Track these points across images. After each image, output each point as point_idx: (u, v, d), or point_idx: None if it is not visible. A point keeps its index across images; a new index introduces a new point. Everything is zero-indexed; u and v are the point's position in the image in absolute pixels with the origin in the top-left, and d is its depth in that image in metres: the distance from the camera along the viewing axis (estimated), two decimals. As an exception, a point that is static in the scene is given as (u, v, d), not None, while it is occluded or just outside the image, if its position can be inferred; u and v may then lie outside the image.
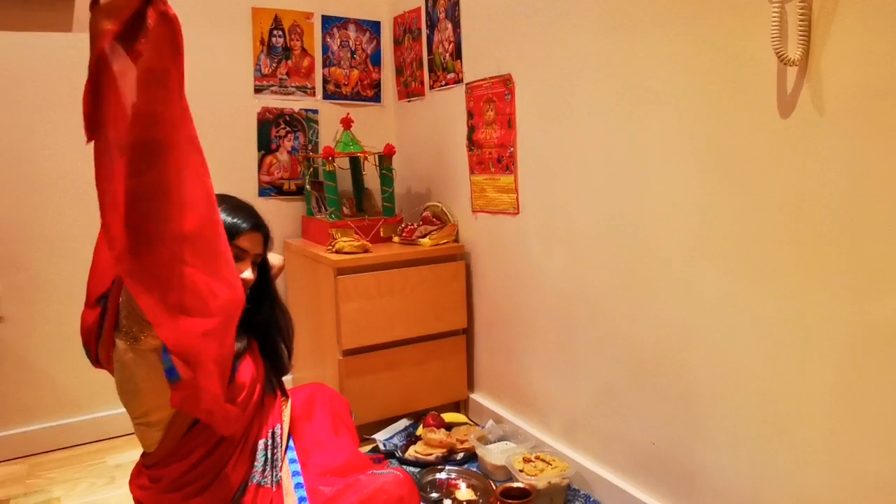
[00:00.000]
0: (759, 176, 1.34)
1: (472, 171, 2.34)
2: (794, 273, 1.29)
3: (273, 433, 1.54)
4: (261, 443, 1.52)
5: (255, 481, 1.47)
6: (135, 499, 1.49)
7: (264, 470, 1.49)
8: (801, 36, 1.21)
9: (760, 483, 1.41)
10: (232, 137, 2.60)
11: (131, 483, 1.51)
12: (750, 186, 1.36)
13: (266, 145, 2.68)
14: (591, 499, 1.88)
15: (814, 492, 1.30)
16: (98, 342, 1.35)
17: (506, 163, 2.15)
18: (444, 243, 2.40)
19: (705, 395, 1.52)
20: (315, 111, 2.76)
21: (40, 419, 2.34)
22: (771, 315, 1.35)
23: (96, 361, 1.41)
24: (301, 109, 2.73)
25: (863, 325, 1.19)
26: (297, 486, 1.47)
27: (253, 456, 1.50)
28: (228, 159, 2.59)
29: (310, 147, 2.76)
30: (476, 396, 2.48)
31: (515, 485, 1.76)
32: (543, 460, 1.90)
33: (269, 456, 1.51)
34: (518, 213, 2.12)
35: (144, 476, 1.48)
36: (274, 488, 1.47)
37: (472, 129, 2.31)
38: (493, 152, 2.21)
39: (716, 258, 1.46)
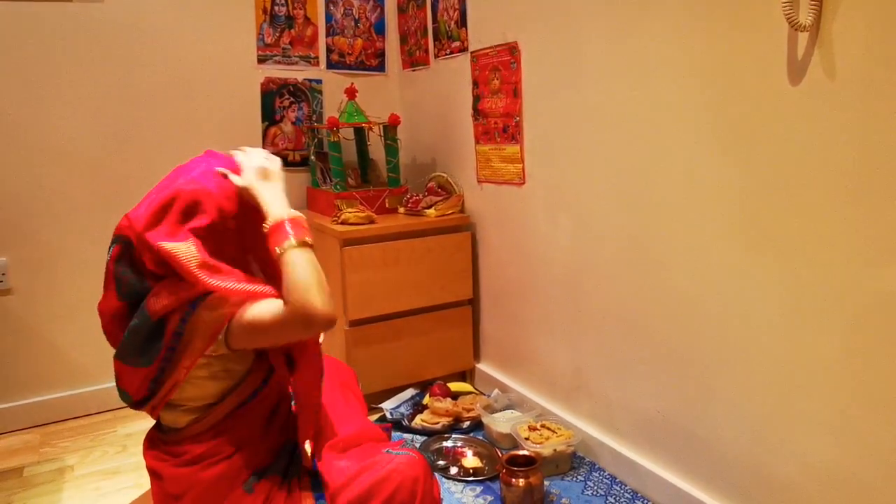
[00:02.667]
0: (767, 144, 1.33)
1: (477, 141, 2.32)
2: (802, 242, 1.29)
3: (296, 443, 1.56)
4: (286, 443, 1.54)
5: (271, 473, 1.49)
6: (148, 467, 1.52)
7: (287, 466, 1.51)
8: (812, 0, 1.18)
9: (766, 452, 1.42)
10: (235, 108, 2.59)
11: (145, 453, 1.54)
12: (758, 154, 1.35)
13: (270, 116, 2.67)
14: (596, 466, 1.90)
15: (819, 460, 1.31)
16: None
17: (511, 132, 2.13)
18: (450, 214, 2.39)
19: (712, 364, 1.53)
20: (319, 81, 2.74)
21: (52, 389, 2.37)
22: (778, 284, 1.35)
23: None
24: (305, 80, 2.71)
25: (870, 295, 1.19)
26: (315, 484, 1.48)
27: (275, 450, 1.52)
28: (232, 131, 2.58)
29: (314, 118, 2.74)
30: (482, 366, 2.50)
31: (521, 452, 1.78)
32: (549, 428, 1.92)
33: (293, 458, 1.53)
34: (524, 183, 2.11)
35: (161, 449, 1.51)
36: (290, 483, 1.49)
37: (477, 99, 2.29)
38: (498, 122, 2.19)
39: (723, 227, 1.45)
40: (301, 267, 1.30)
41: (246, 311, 1.33)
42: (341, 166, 2.44)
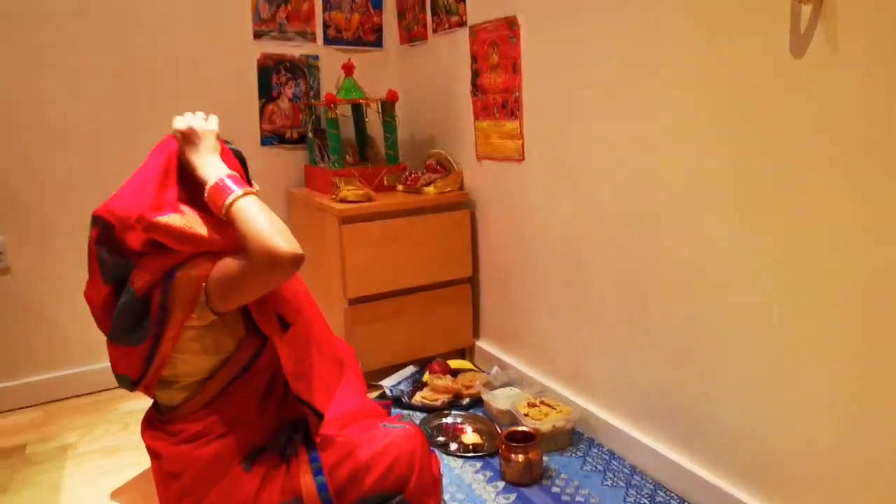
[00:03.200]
0: (769, 117, 1.31)
1: (476, 118, 2.30)
2: (804, 217, 1.28)
3: (299, 423, 1.56)
4: (285, 422, 1.54)
5: (270, 451, 1.49)
6: (147, 446, 1.53)
7: (285, 446, 1.52)
8: (816, -29, 1.16)
9: (766, 428, 1.42)
10: (232, 85, 2.56)
11: (143, 433, 1.54)
12: (761, 128, 1.33)
13: (267, 93, 2.64)
14: (595, 442, 1.91)
15: (820, 436, 1.31)
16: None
17: (511, 108, 2.11)
18: (449, 191, 2.38)
19: (711, 341, 1.52)
20: (316, 57, 2.71)
21: (54, 368, 2.37)
22: (779, 260, 1.34)
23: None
24: (301, 55, 2.68)
25: (872, 270, 1.18)
26: (313, 458, 1.49)
27: (273, 428, 1.52)
28: (229, 107, 2.55)
29: (311, 94, 2.72)
30: (481, 343, 2.50)
31: (520, 428, 1.79)
32: (548, 405, 1.93)
33: (291, 436, 1.53)
34: (523, 159, 2.10)
35: (159, 429, 1.51)
36: (289, 460, 1.50)
37: (476, 74, 2.26)
38: (497, 97, 2.16)
39: (724, 203, 1.44)
40: (250, 213, 1.26)
41: (216, 268, 1.32)
42: (339, 143, 2.42)
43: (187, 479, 1.46)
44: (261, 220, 1.26)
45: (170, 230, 1.29)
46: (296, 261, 1.28)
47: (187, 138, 1.39)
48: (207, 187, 1.31)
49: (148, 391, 1.49)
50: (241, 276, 1.30)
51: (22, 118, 2.23)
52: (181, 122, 1.40)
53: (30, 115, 2.24)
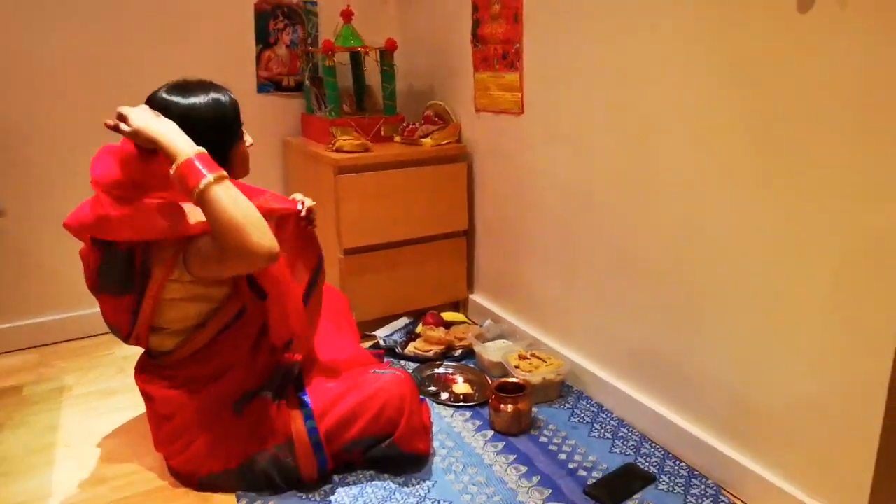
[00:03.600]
0: (772, 74, 1.29)
1: (476, 69, 2.27)
2: (801, 176, 1.27)
3: (291, 366, 1.59)
4: (277, 368, 1.57)
5: (261, 396, 1.52)
6: (140, 390, 1.55)
7: (276, 391, 1.54)
8: (827, -79, 1.13)
9: (751, 385, 1.45)
10: (228, 30, 2.51)
11: (136, 377, 1.57)
12: (762, 85, 1.32)
13: (264, 39, 2.59)
14: (584, 395, 1.94)
15: (804, 394, 1.34)
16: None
17: (511, 60, 2.08)
18: (446, 143, 2.36)
19: (701, 297, 1.54)
20: (314, 3, 2.65)
21: (49, 311, 2.39)
22: (773, 219, 1.34)
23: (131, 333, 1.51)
24: (299, 1, 2.62)
25: (863, 231, 1.18)
26: (304, 403, 1.51)
27: (265, 374, 1.55)
28: (225, 53, 2.51)
29: (309, 41, 2.67)
30: (475, 297, 2.52)
31: (510, 380, 1.81)
32: (539, 357, 1.95)
33: (283, 382, 1.56)
34: (522, 112, 2.07)
35: (151, 373, 1.54)
36: (278, 404, 1.52)
37: (476, 24, 2.22)
38: (498, 48, 2.13)
39: (722, 160, 1.43)
40: (226, 204, 1.22)
41: (199, 243, 1.33)
42: (336, 92, 2.39)
43: (179, 422, 1.48)
44: (237, 213, 1.21)
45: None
46: (272, 258, 1.26)
47: (125, 118, 1.31)
48: (176, 163, 1.23)
49: (139, 342, 1.51)
50: (217, 260, 1.30)
51: (15, 63, 2.19)
52: (142, 107, 1.36)
53: (23, 61, 2.20)
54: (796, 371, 1.34)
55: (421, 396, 1.68)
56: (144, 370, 1.57)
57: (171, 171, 1.25)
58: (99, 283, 1.43)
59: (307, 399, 1.52)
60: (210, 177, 1.23)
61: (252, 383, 1.52)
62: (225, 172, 1.27)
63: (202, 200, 1.23)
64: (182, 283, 1.41)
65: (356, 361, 1.78)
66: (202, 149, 1.28)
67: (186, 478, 1.53)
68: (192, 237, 1.34)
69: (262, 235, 1.23)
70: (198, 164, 1.24)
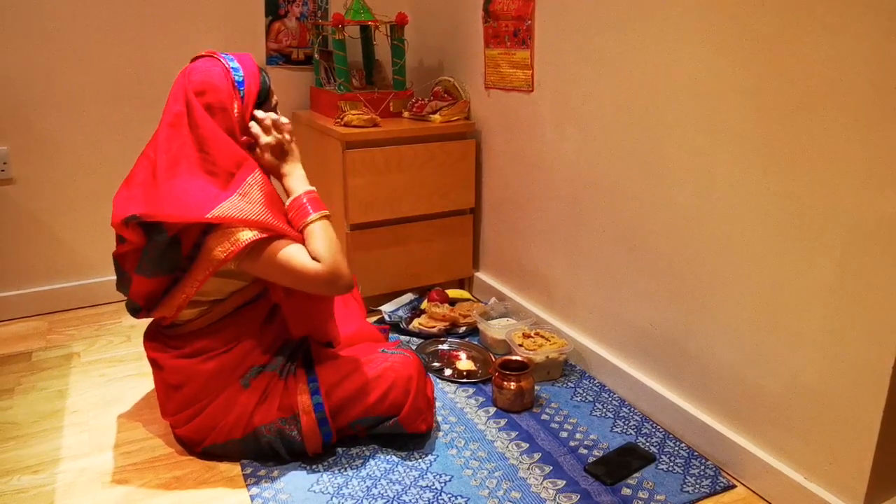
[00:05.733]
0: (783, 57, 1.28)
1: (486, 45, 2.25)
2: (809, 160, 1.27)
3: (299, 345, 1.61)
4: (286, 343, 1.59)
5: (269, 370, 1.54)
6: (149, 357, 1.57)
7: (284, 365, 1.56)
8: None
9: (753, 368, 1.45)
10: (238, 1, 2.49)
11: (145, 344, 1.58)
12: (773, 69, 1.30)
13: (274, 10, 2.57)
14: (587, 374, 1.95)
15: (803, 378, 1.34)
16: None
17: (522, 37, 2.06)
18: (455, 120, 2.35)
19: (707, 279, 1.54)
20: (325, -26, 2.62)
21: (58, 279, 2.41)
22: (781, 203, 1.34)
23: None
24: (310, -28, 2.59)
25: (869, 217, 1.18)
26: (312, 379, 1.53)
27: (273, 348, 1.57)
28: (235, 24, 2.49)
29: (319, 14, 2.64)
30: (480, 275, 2.52)
31: (514, 358, 1.83)
32: (543, 336, 1.97)
33: (290, 357, 1.58)
34: (532, 90, 2.06)
35: (162, 342, 1.55)
36: (287, 379, 1.54)
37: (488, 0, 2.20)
38: (509, 25, 2.11)
39: (730, 143, 1.42)
40: (328, 235, 1.44)
41: (280, 250, 1.40)
42: (346, 66, 2.38)
43: (188, 392, 1.50)
44: (335, 244, 1.44)
45: (225, 222, 1.37)
46: (349, 288, 1.45)
47: (276, 150, 1.51)
48: (290, 199, 1.49)
49: (157, 315, 1.51)
50: (300, 272, 1.41)
51: (25, 28, 2.18)
52: (268, 138, 1.50)
53: (33, 25, 2.19)
54: (799, 355, 1.35)
55: (427, 374, 1.70)
56: (153, 338, 1.58)
57: (286, 203, 1.49)
58: (138, 264, 1.43)
59: (315, 374, 1.54)
60: (315, 215, 1.46)
61: (261, 357, 1.54)
62: (328, 212, 1.49)
63: (306, 230, 1.45)
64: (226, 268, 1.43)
65: (362, 335, 1.79)
66: (313, 189, 1.52)
67: (191, 446, 1.56)
68: (270, 239, 1.40)
69: (346, 266, 1.44)
70: (307, 203, 1.48)
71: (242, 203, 1.38)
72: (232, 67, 1.48)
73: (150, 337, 1.59)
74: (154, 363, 1.56)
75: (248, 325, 1.54)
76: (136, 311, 1.52)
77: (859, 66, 1.16)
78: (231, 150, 1.43)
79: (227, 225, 1.36)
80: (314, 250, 1.41)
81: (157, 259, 1.40)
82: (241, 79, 1.48)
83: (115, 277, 1.57)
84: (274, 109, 1.58)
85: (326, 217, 1.47)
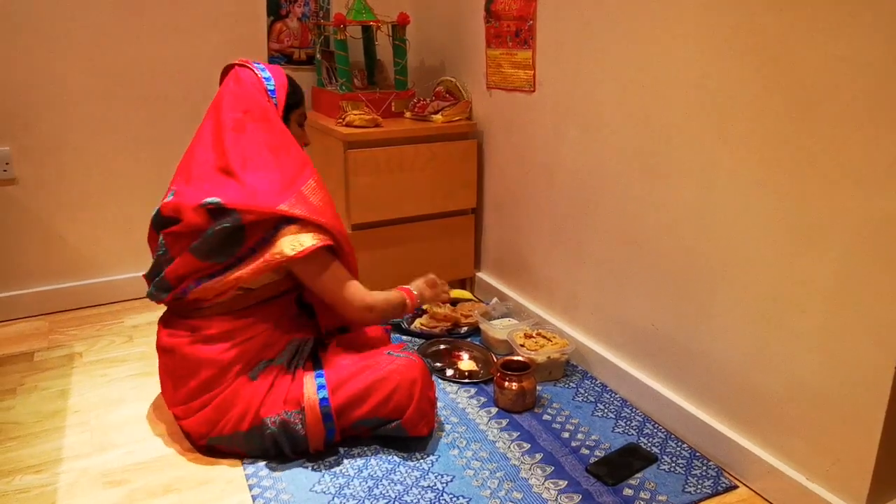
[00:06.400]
0: (787, 56, 1.28)
1: (488, 45, 2.25)
2: (813, 161, 1.27)
3: (304, 339, 1.67)
4: (294, 339, 1.64)
5: (277, 363, 1.58)
6: (163, 345, 1.58)
7: (292, 360, 1.61)
8: None
9: (754, 368, 1.45)
10: (240, 1, 2.49)
11: (160, 332, 1.61)
12: (777, 68, 1.30)
13: (275, 10, 2.57)
14: (589, 374, 1.95)
15: (804, 378, 1.34)
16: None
17: (524, 37, 2.06)
18: (457, 120, 2.35)
19: (709, 281, 1.54)
20: (326, -26, 2.62)
21: (59, 279, 2.41)
22: (784, 203, 1.33)
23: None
24: (312, -28, 2.60)
25: (872, 218, 1.18)
26: (318, 374, 1.55)
27: (283, 343, 1.62)
28: (236, 24, 2.49)
29: (321, 14, 2.64)
30: (482, 275, 2.52)
31: (515, 358, 1.83)
32: (544, 336, 1.96)
33: (297, 351, 1.63)
34: (534, 90, 2.06)
35: (178, 325, 1.58)
36: (294, 372, 1.57)
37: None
38: (511, 25, 2.11)
39: (733, 143, 1.42)
40: (392, 302, 1.69)
41: (338, 264, 1.60)
42: (347, 66, 2.38)
43: (201, 379, 1.53)
44: (387, 309, 1.67)
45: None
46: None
47: (426, 300, 1.83)
48: (408, 301, 1.74)
49: (184, 296, 1.55)
50: (334, 294, 1.59)
51: (26, 27, 2.19)
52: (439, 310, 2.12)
53: (34, 25, 2.19)
54: (801, 356, 1.35)
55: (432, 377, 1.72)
56: (169, 324, 1.61)
57: (407, 301, 1.75)
58: (195, 244, 1.50)
59: (322, 371, 1.56)
60: (410, 309, 1.76)
61: (271, 352, 1.59)
62: (408, 301, 1.75)
63: (391, 290, 1.74)
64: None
65: (368, 336, 1.81)
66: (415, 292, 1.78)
67: (196, 438, 1.57)
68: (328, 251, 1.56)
69: (372, 320, 1.69)
70: (408, 302, 1.74)
71: (316, 203, 1.53)
72: (264, 77, 1.63)
73: (166, 325, 1.61)
74: (168, 350, 1.57)
75: (269, 319, 1.60)
76: (164, 292, 1.56)
77: (863, 67, 1.15)
78: (297, 152, 1.59)
79: (303, 224, 1.50)
80: (376, 294, 1.64)
81: (219, 244, 1.49)
82: (272, 88, 1.63)
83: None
84: (304, 116, 1.75)
85: (404, 302, 1.72)
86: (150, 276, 1.61)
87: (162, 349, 1.59)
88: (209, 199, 1.47)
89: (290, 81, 1.69)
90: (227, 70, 1.67)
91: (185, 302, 1.57)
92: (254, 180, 1.50)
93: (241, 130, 1.55)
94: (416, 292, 1.75)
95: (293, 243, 1.49)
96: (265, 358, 1.57)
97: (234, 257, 1.51)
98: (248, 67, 1.64)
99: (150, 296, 1.60)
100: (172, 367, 1.57)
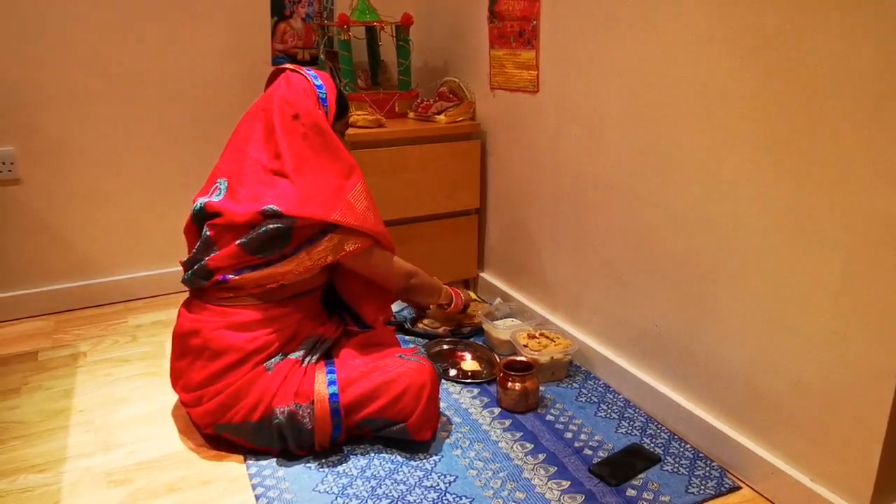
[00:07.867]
0: (789, 53, 1.27)
1: (492, 46, 2.25)
2: (816, 160, 1.26)
3: (323, 336, 1.71)
4: (313, 335, 1.68)
5: (293, 357, 1.61)
6: (188, 329, 1.59)
7: (307, 355, 1.63)
8: None
9: (758, 368, 1.45)
10: (244, 1, 2.49)
11: (183, 317, 1.63)
12: (779, 68, 1.30)
13: (279, 11, 2.58)
14: (592, 375, 1.95)
15: (808, 379, 1.34)
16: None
17: (527, 37, 2.06)
18: (461, 121, 2.35)
19: (713, 281, 1.53)
20: (330, -25, 2.62)
21: (64, 279, 2.42)
22: (787, 202, 1.33)
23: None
24: (315, -28, 2.60)
25: (877, 217, 1.17)
26: (330, 371, 1.57)
27: (302, 338, 1.67)
28: (240, 24, 2.49)
29: (325, 14, 2.65)
30: (485, 275, 2.52)
31: (519, 358, 1.83)
32: (547, 337, 1.96)
33: (312, 347, 1.66)
34: (537, 91, 2.06)
35: (205, 308, 1.61)
36: (307, 367, 1.60)
37: (493, 0, 2.20)
38: (514, 25, 2.11)
39: (736, 142, 1.42)
40: (428, 281, 1.92)
41: (380, 254, 1.71)
42: (351, 66, 2.38)
43: (216, 367, 1.55)
44: (425, 283, 1.90)
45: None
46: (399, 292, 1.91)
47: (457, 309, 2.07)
48: (453, 301, 2.04)
49: (225, 281, 1.59)
50: (388, 275, 1.77)
51: (29, 27, 2.19)
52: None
53: (37, 25, 2.20)
54: (804, 356, 1.34)
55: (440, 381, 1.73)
56: (193, 308, 1.64)
57: (443, 298, 2.04)
58: (244, 238, 1.56)
59: (334, 368, 1.58)
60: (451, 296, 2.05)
61: (290, 346, 1.63)
62: (447, 293, 2.05)
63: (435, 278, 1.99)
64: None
65: (378, 337, 1.81)
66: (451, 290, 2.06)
67: (203, 426, 1.59)
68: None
69: (410, 286, 1.86)
70: (447, 290, 2.03)
71: (362, 209, 1.62)
72: (317, 85, 1.70)
73: (190, 309, 1.64)
74: (192, 333, 1.58)
75: (296, 314, 1.65)
76: (204, 279, 1.60)
77: (866, 66, 1.15)
78: (346, 157, 1.65)
79: (347, 229, 1.59)
80: (417, 267, 1.85)
81: (268, 240, 1.55)
82: (324, 95, 1.70)
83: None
84: (347, 125, 1.86)
85: (441, 287, 2.01)
86: (189, 264, 1.65)
87: (183, 333, 1.60)
88: (268, 207, 1.54)
89: (340, 91, 1.77)
90: (275, 73, 1.73)
91: (219, 289, 1.59)
92: (306, 184, 1.57)
93: (295, 134, 1.61)
94: (462, 297, 2.03)
95: (338, 248, 1.60)
96: (285, 351, 1.61)
97: (278, 254, 1.57)
98: (299, 73, 1.70)
99: (188, 282, 1.64)
100: (195, 350, 1.57)
